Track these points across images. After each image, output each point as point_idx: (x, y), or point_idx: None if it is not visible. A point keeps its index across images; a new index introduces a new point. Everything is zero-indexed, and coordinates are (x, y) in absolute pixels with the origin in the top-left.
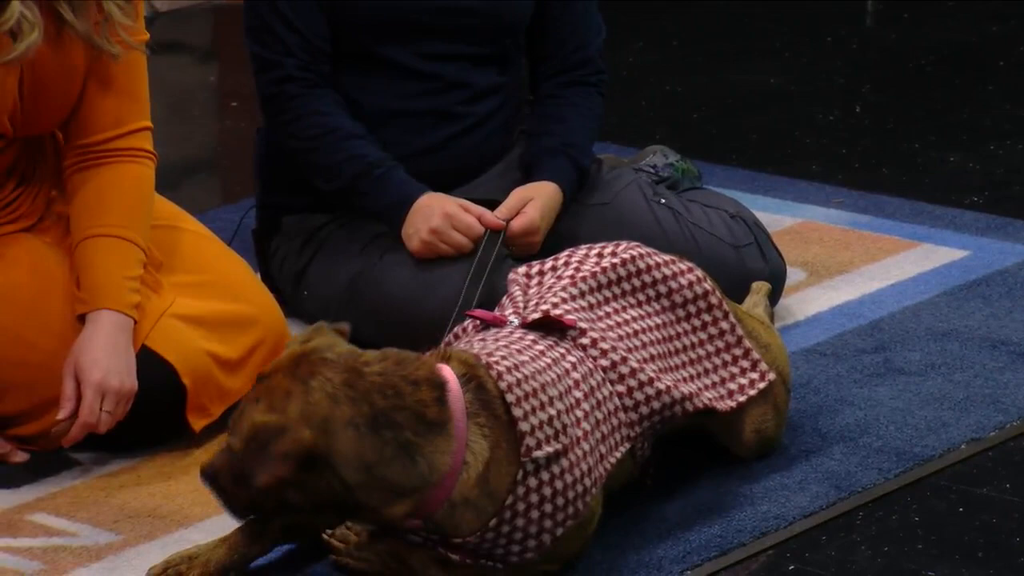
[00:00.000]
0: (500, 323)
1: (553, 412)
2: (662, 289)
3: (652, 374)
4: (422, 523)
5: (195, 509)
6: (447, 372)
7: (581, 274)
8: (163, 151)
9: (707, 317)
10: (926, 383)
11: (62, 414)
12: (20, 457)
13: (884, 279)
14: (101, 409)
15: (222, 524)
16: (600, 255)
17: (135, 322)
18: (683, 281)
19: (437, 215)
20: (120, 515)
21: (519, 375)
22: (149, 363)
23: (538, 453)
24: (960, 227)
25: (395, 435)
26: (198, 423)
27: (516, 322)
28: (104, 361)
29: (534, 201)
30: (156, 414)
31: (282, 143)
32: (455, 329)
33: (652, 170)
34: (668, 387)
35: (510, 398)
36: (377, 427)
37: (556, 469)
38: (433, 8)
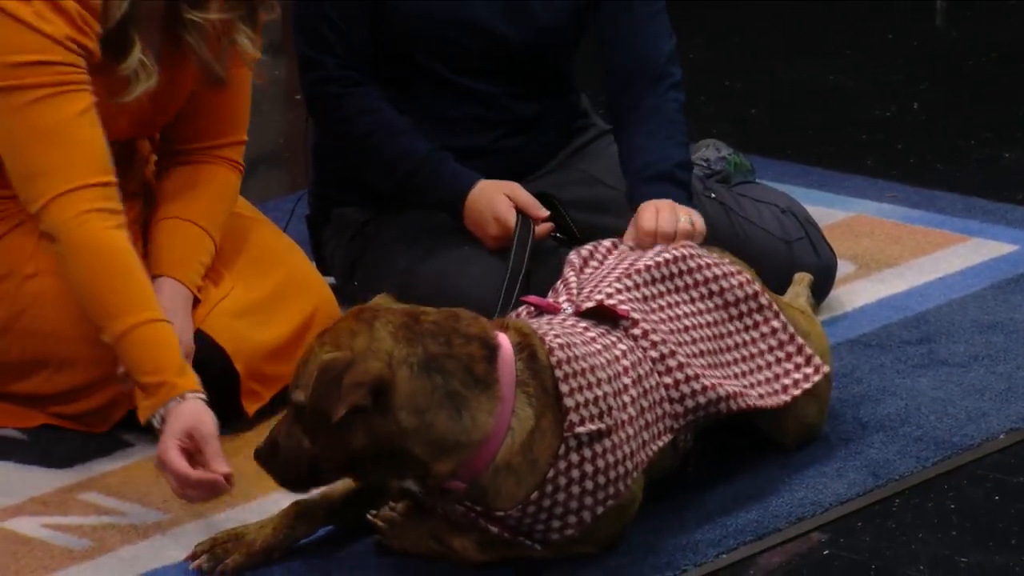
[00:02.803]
0: (554, 310)
1: (600, 393)
2: (713, 288)
3: (699, 369)
4: (466, 487)
5: (242, 490)
6: (503, 338)
7: (636, 267)
8: None
9: (758, 317)
10: (968, 374)
11: (122, 368)
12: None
13: (932, 272)
14: None
15: (268, 505)
16: (654, 252)
17: (196, 302)
18: (733, 281)
19: (490, 223)
20: (169, 495)
21: (570, 353)
22: (204, 348)
23: (581, 429)
24: (1011, 222)
25: (444, 381)
26: (251, 407)
27: (570, 310)
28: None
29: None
30: (209, 397)
31: (332, 141)
32: (510, 314)
33: (704, 164)
34: (714, 383)
35: (559, 373)
36: (429, 370)
37: (599, 448)
38: (467, 29)
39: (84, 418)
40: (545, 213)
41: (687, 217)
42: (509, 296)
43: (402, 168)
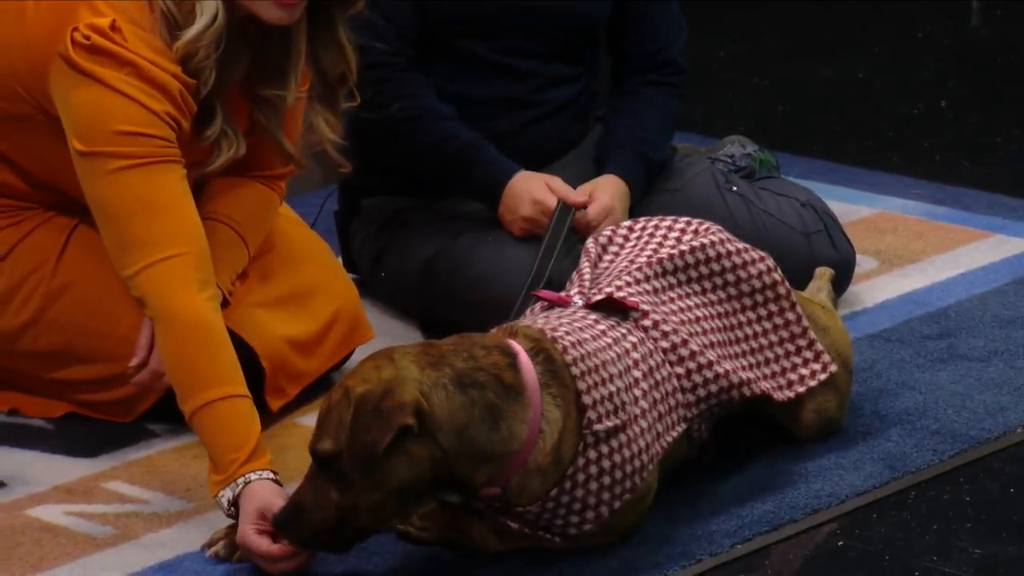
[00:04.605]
0: (564, 303)
1: (613, 388)
2: (730, 278)
3: (712, 357)
4: (500, 491)
5: None
6: (516, 346)
7: (658, 256)
8: None
9: (773, 307)
10: (988, 369)
11: (133, 361)
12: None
13: (954, 268)
14: None
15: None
16: (680, 237)
17: (226, 304)
18: (753, 271)
19: (526, 203)
20: (193, 484)
21: (582, 351)
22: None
23: (598, 426)
24: None
25: (481, 395)
26: (275, 403)
27: (580, 302)
28: None
29: (601, 188)
30: None
31: (375, 126)
32: (524, 310)
33: (729, 160)
34: (726, 371)
35: (574, 371)
36: (463, 386)
37: (615, 443)
38: (509, 6)
39: (110, 408)
40: (584, 199)
41: (598, 203)
42: (541, 273)
43: (444, 152)
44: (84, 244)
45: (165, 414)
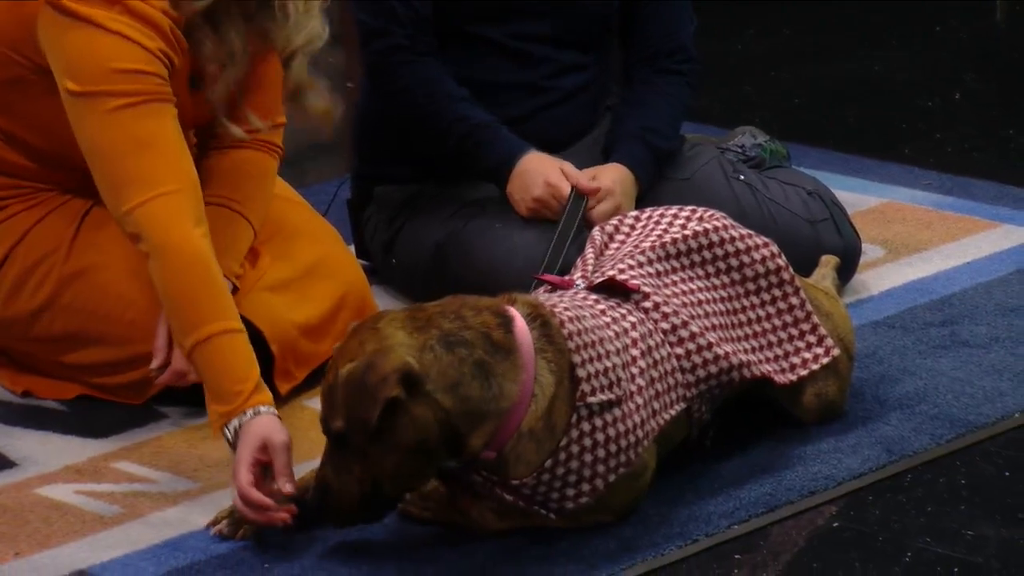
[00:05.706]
0: (567, 286)
1: (609, 364)
2: (733, 263)
3: (711, 339)
4: (495, 456)
5: None
6: (513, 310)
7: (662, 240)
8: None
9: (777, 292)
10: (989, 355)
11: (154, 364)
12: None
13: (960, 257)
14: None
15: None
16: (684, 224)
17: (235, 290)
18: (756, 256)
19: (539, 184)
20: (200, 464)
21: (580, 326)
22: None
23: (592, 399)
24: None
25: (469, 352)
26: (284, 386)
27: (582, 285)
28: None
29: (603, 172)
30: None
31: (389, 110)
32: None
33: (740, 150)
34: (726, 353)
35: (570, 344)
36: (450, 345)
37: (609, 417)
38: None
39: (121, 390)
40: (597, 187)
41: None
42: (556, 255)
43: (458, 132)
44: (97, 228)
45: (175, 396)
